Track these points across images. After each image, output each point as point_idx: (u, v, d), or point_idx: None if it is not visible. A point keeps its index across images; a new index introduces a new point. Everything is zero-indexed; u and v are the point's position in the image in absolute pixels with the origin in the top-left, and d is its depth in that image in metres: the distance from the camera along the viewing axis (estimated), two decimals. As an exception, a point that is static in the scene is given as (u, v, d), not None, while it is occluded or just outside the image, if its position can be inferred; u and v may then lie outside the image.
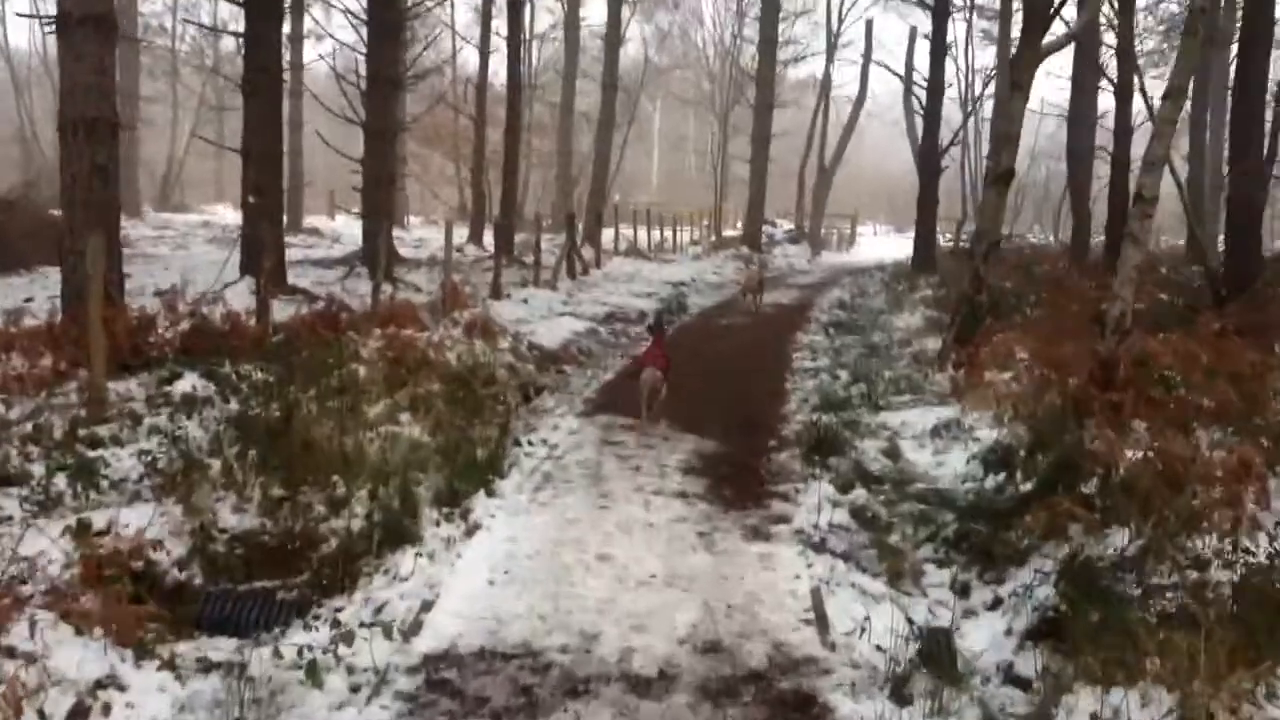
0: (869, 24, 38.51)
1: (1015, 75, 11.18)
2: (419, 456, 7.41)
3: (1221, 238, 30.88)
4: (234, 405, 8.51)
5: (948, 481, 7.66)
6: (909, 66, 37.83)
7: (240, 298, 12.57)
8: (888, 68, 28.19)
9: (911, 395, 10.62)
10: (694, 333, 15.80)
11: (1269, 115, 15.14)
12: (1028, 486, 6.89)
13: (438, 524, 6.40)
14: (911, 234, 60.58)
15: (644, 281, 22.72)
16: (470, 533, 6.33)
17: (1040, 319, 14.62)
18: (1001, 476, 7.35)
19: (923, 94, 26.21)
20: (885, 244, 43.00)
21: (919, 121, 32.01)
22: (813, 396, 10.89)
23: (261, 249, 12.68)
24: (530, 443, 8.52)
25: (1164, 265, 20.69)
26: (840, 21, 40.04)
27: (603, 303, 18.46)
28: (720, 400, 10.71)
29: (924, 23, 40.39)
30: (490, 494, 6.95)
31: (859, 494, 7.28)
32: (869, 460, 8.16)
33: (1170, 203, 42.14)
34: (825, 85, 40.22)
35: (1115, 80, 19.33)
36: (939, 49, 24.38)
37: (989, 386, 10.58)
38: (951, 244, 38.91)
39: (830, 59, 39.48)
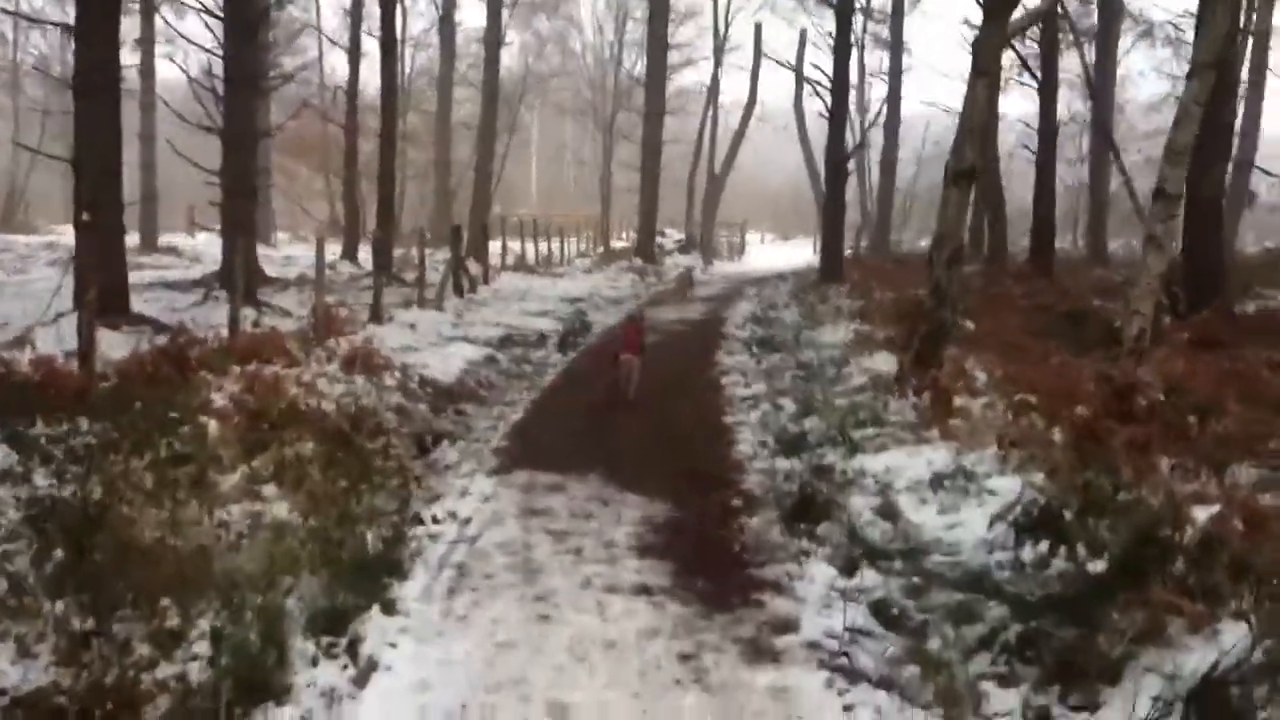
0: (758, 27, 37.48)
1: (979, 59, 9.75)
2: (287, 552, 5.52)
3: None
4: (42, 480, 6.49)
5: (970, 551, 6.06)
6: (799, 69, 36.83)
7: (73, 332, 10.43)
8: (786, 65, 26.83)
9: (876, 429, 9.04)
10: (606, 354, 14.06)
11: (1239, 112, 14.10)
12: (1097, 565, 5.33)
13: (314, 663, 4.52)
14: (799, 242, 60.31)
15: (537, 299, 20.89)
16: (362, 677, 4.45)
17: (981, 334, 13.31)
18: (1043, 546, 5.78)
19: (817, 97, 25.04)
20: (775, 252, 41.93)
21: (815, 125, 30.99)
22: (761, 432, 9.27)
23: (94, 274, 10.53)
24: (435, 518, 6.65)
25: (1120, 273, 19.70)
26: (727, 25, 38.88)
27: (496, 324, 16.59)
28: (658, 443, 8.99)
29: (817, 24, 39.66)
30: (388, 610, 5.06)
31: (870, 578, 5.62)
32: (863, 523, 6.52)
33: (1120, 202, 41.93)
34: (714, 90, 38.91)
35: (1039, 76, 18.24)
36: (843, 47, 23.07)
37: (964, 416, 9.12)
38: (851, 252, 38.03)
39: (718, 63, 38.27)
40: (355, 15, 27.54)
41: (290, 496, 6.67)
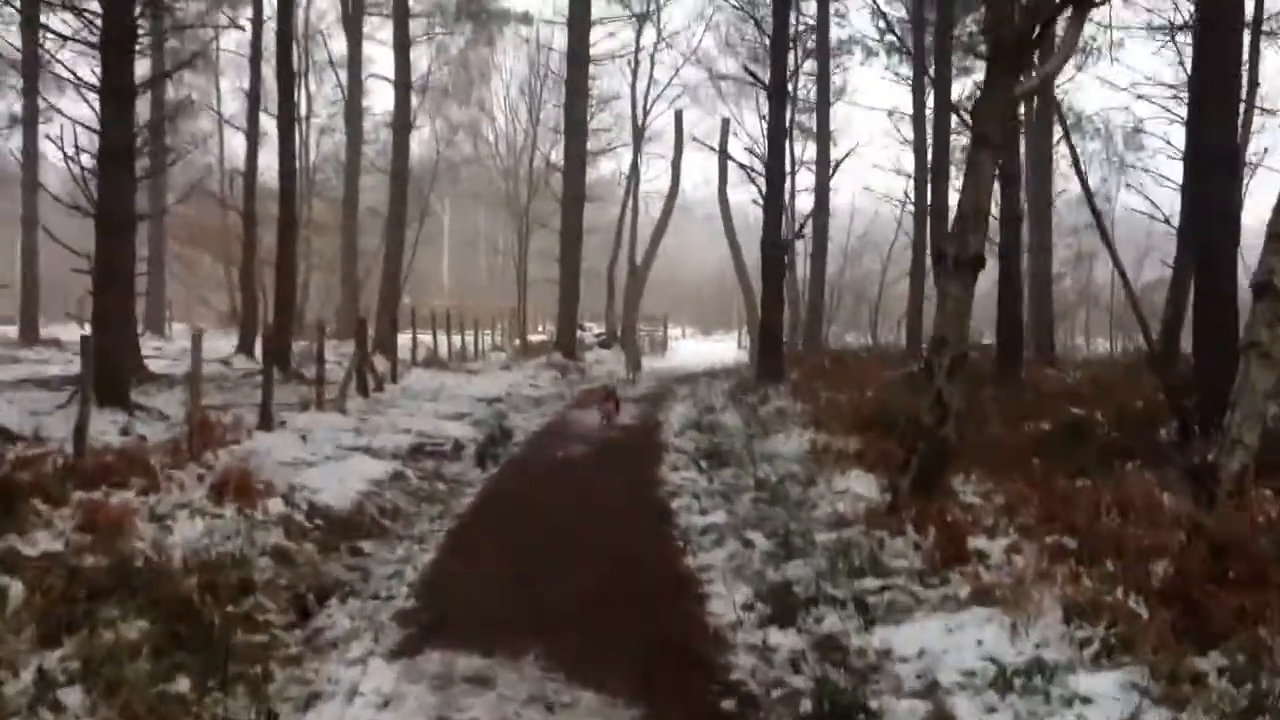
0: (678, 115, 36.23)
1: (980, 126, 8.23)
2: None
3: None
4: None
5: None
6: (723, 156, 35.72)
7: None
8: (715, 150, 25.43)
9: (878, 579, 7.26)
10: (532, 473, 12.13)
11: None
12: None
13: None
14: (720, 337, 59.04)
15: (451, 398, 18.91)
16: None
17: (969, 448, 11.68)
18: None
19: (751, 184, 23.76)
20: (699, 348, 40.39)
21: (740, 215, 29.74)
22: (736, 583, 7.41)
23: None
24: (307, 748, 4.66)
25: (1071, 375, 18.36)
26: (645, 112, 37.68)
27: (405, 429, 14.58)
28: (609, 600, 7.05)
29: (735, 114, 38.69)
30: None
31: None
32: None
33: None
34: (634, 178, 37.52)
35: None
36: (778, 129, 21.75)
37: (981, 562, 7.39)
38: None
39: (638, 149, 36.91)
40: (254, 93, 25.62)
41: (100, 710, 4.65)
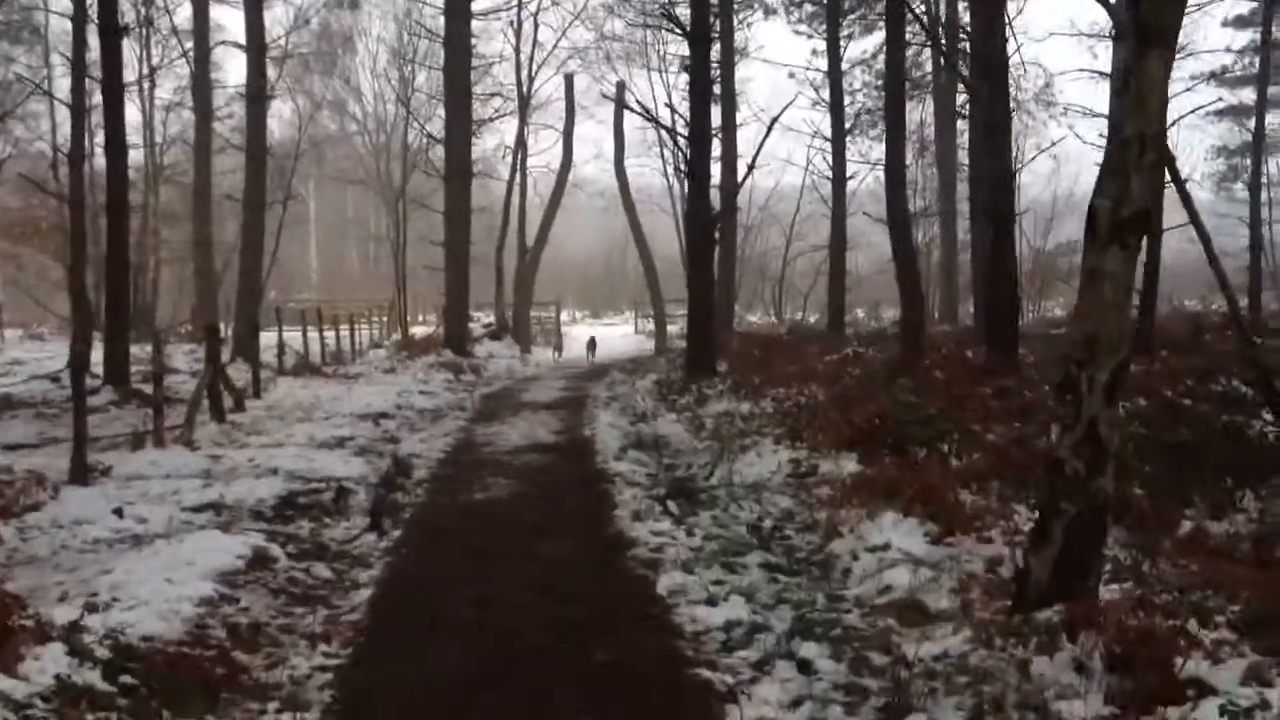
0: (568, 79, 33.13)
1: (1148, 18, 5.37)
2: None
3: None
4: None
5: None
6: (619, 125, 32.80)
7: None
8: (642, 113, 22.13)
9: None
10: (447, 537, 8.85)
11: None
12: None
13: None
14: (611, 319, 55.91)
15: (328, 416, 15.51)
16: None
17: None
18: None
19: (667, 150, 20.76)
20: (595, 335, 37.15)
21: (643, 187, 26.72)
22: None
23: None
24: None
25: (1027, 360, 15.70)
26: (531, 78, 34.22)
27: (272, 468, 11.25)
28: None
29: (630, 79, 35.61)
30: None
31: None
32: None
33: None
34: (520, 151, 34.01)
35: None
36: (702, 85, 18.68)
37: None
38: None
39: (524, 120, 33.41)
40: (78, 58, 21.41)
41: None
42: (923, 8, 28.12)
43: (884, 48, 33.95)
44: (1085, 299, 5.59)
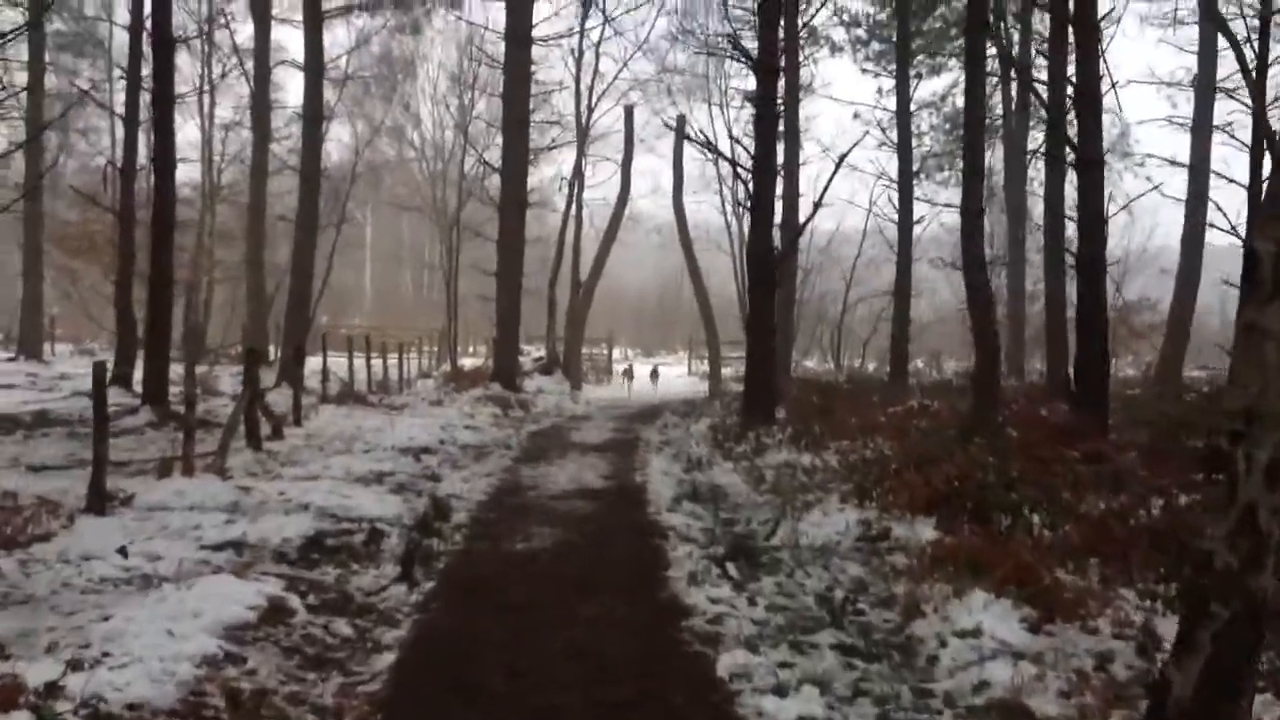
0: (628, 111, 32.46)
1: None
2: None
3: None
4: None
5: None
6: (679, 157, 32.14)
7: None
8: (702, 145, 21.42)
9: None
10: (484, 594, 7.97)
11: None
12: None
13: None
14: (663, 358, 55.08)
15: (368, 449, 14.82)
16: None
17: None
18: None
19: (739, 182, 20.03)
20: (648, 372, 36.37)
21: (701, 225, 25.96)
22: None
23: None
24: None
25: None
26: (590, 110, 33.62)
27: (303, 504, 10.51)
28: None
29: (690, 113, 35.05)
30: None
31: None
32: None
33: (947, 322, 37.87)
34: (578, 182, 33.37)
35: (1078, 146, 13.35)
36: (767, 116, 17.88)
37: None
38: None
39: (582, 150, 32.76)
40: (133, 70, 21.18)
41: None
42: (992, 51, 27.20)
43: (952, 89, 33.47)
44: (1242, 361, 4.71)
